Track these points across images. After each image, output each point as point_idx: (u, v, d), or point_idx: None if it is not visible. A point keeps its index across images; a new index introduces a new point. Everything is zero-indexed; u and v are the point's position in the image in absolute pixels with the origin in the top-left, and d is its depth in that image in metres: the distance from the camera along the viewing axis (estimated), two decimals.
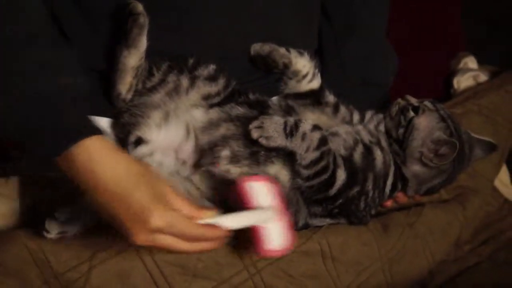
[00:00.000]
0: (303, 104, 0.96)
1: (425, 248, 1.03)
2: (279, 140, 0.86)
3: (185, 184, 0.89)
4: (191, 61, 0.91)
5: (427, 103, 0.94)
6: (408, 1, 1.44)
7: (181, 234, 0.73)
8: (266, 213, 0.79)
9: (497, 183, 1.20)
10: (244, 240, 0.83)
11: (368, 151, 0.92)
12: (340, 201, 0.90)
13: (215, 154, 0.88)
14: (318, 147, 0.86)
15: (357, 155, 0.91)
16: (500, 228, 1.15)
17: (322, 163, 0.86)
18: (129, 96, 0.90)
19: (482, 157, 0.99)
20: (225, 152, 0.88)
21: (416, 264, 1.03)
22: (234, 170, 0.88)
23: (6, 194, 0.93)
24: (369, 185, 0.91)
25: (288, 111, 0.95)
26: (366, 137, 0.94)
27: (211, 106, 0.92)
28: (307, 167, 0.86)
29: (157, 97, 0.90)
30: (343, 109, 0.98)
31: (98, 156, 0.73)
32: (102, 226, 0.89)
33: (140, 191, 0.72)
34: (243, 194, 0.79)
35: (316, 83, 0.96)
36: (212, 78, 0.92)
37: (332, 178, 0.87)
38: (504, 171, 1.24)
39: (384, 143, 0.95)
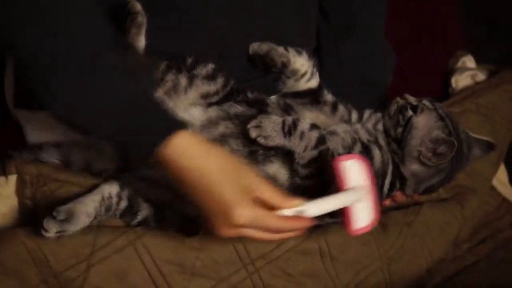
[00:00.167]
0: (302, 103, 0.96)
1: (423, 247, 1.03)
2: (277, 139, 0.86)
3: None
4: (189, 60, 0.91)
5: (425, 102, 0.94)
6: (407, 0, 1.43)
7: (264, 228, 0.74)
8: (357, 193, 0.78)
9: (495, 182, 1.20)
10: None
11: (366, 150, 0.92)
12: None
13: None
14: (316, 146, 0.86)
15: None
16: (498, 227, 1.15)
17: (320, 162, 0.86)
18: None
19: (480, 156, 0.99)
20: None
21: (415, 263, 1.03)
22: None
23: (6, 193, 0.93)
24: None
25: (286, 109, 0.95)
26: (364, 136, 0.94)
27: (210, 104, 0.92)
28: (305, 166, 0.86)
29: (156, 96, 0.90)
30: (341, 108, 0.98)
31: (188, 150, 0.73)
32: (102, 225, 0.89)
33: (225, 186, 0.73)
34: (338, 175, 0.78)
35: (314, 82, 0.96)
36: (210, 77, 0.92)
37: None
38: (502, 170, 1.24)
39: (382, 142, 0.95)
